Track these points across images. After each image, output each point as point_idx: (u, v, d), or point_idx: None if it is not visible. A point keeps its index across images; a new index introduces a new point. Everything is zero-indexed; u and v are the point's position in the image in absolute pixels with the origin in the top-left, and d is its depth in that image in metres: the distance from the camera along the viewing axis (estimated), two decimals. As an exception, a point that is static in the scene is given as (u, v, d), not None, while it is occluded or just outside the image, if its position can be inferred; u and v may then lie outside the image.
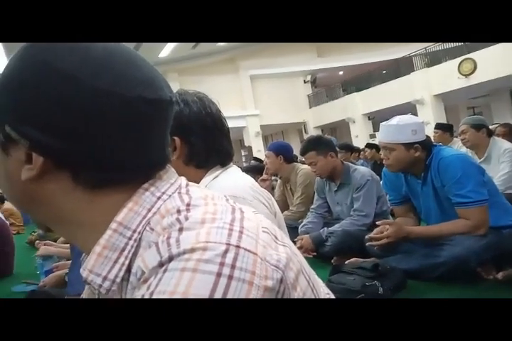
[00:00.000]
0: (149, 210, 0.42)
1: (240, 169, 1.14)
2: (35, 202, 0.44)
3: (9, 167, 0.43)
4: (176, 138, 0.99)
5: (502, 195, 2.14)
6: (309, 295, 0.42)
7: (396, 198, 2.25)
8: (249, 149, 17.50)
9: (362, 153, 6.44)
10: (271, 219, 0.92)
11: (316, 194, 2.87)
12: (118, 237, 0.42)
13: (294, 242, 2.37)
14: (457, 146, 3.79)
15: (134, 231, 0.42)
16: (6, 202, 6.99)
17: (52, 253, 2.25)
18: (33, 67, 0.40)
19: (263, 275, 0.36)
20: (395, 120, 2.02)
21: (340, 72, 18.93)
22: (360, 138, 14.80)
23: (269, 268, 0.37)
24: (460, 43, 11.75)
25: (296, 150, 3.76)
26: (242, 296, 0.34)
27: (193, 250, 0.36)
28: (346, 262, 2.07)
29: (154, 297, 0.34)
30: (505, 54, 9.95)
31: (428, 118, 11.03)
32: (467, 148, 3.26)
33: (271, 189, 3.50)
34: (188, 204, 0.42)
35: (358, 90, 15.77)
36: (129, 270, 0.41)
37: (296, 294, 0.40)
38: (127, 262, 0.41)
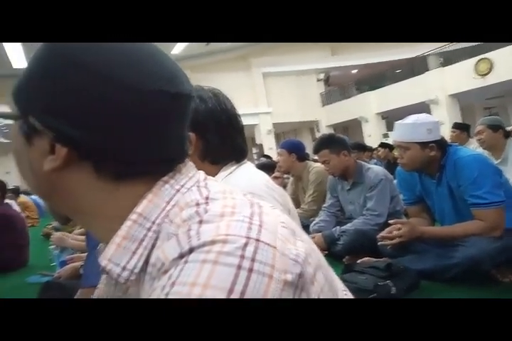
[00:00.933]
0: (168, 203, 0.43)
1: (254, 165, 1.14)
2: (56, 192, 0.45)
3: (32, 157, 0.44)
4: (191, 133, 0.99)
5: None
6: (327, 291, 0.42)
7: (410, 198, 2.23)
8: (261, 147, 17.49)
9: (375, 152, 6.39)
10: (286, 215, 0.92)
11: (328, 192, 2.86)
12: (137, 228, 0.42)
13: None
14: (473, 147, 3.74)
15: (153, 222, 0.42)
16: (21, 195, 7.13)
17: (67, 246, 2.28)
18: (59, 60, 0.41)
19: (282, 269, 0.36)
20: (411, 118, 2.00)
21: (354, 71, 18.78)
22: (372, 137, 14.68)
23: (288, 262, 0.37)
24: (476, 43, 11.56)
25: (308, 149, 3.75)
26: (262, 289, 0.35)
27: (213, 242, 0.36)
28: (358, 261, 2.06)
29: (175, 288, 0.34)
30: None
31: (443, 119, 10.89)
32: (483, 149, 3.21)
33: (283, 187, 3.49)
34: (207, 198, 0.42)
35: (372, 89, 15.64)
36: (147, 261, 0.41)
37: (314, 289, 0.40)
38: (146, 253, 0.42)
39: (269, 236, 0.38)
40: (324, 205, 2.86)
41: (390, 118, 14.29)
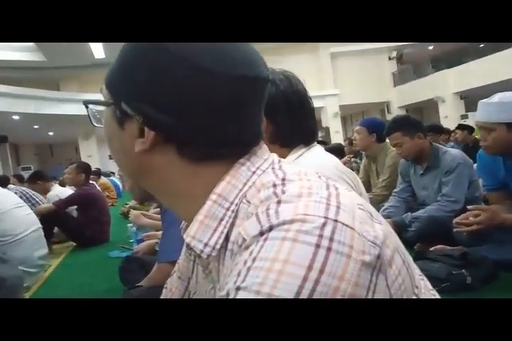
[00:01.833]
0: (245, 184, 0.45)
1: (323, 148, 1.13)
2: (145, 173, 0.48)
3: (124, 140, 0.48)
4: (262, 117, 1.00)
5: None
6: (404, 275, 0.42)
7: (491, 184, 2.08)
8: (327, 130, 17.15)
9: (452, 134, 5.99)
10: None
11: (400, 177, 2.74)
12: (217, 208, 0.45)
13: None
14: None
15: (232, 202, 0.45)
16: (102, 177, 7.71)
17: (143, 224, 2.44)
18: (149, 50, 0.44)
19: (360, 250, 0.37)
20: (497, 97, 1.84)
21: (430, 47, 17.56)
22: (449, 118, 13.77)
23: (366, 243, 0.37)
24: None
25: (379, 132, 3.60)
26: (340, 268, 0.35)
27: (292, 221, 0.37)
28: (431, 249, 1.97)
29: (257, 262, 0.36)
30: None
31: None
32: None
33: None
34: (284, 179, 0.44)
35: (450, 66, 14.58)
36: (227, 238, 0.44)
37: (392, 272, 0.40)
38: (226, 231, 0.44)
39: (347, 217, 0.38)
40: (395, 190, 2.75)
41: (470, 98, 13.28)
